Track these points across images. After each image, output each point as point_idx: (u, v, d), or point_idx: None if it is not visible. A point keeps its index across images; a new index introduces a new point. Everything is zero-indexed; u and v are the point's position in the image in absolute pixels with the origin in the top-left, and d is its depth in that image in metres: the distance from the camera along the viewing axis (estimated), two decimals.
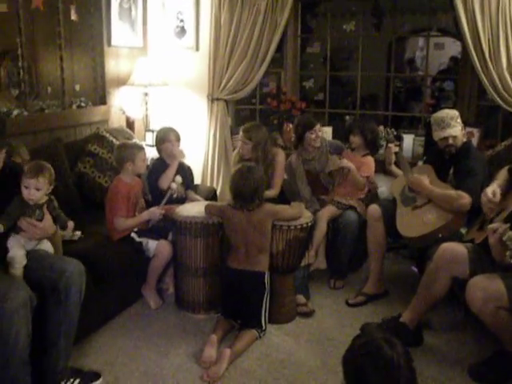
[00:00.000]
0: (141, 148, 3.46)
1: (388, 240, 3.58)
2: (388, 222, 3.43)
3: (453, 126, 3.29)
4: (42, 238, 2.59)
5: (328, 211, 3.77)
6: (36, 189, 2.51)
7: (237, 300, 3.05)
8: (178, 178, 3.58)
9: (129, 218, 3.30)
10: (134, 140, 4.33)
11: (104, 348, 2.96)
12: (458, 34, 4.26)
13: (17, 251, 2.47)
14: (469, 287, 2.58)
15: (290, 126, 4.78)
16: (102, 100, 4.57)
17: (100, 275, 3.02)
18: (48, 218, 2.56)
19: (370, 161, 3.90)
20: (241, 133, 3.86)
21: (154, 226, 3.40)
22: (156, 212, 3.36)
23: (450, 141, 3.31)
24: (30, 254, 2.52)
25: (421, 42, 8.16)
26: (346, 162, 3.77)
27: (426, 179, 3.33)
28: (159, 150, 3.83)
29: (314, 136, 3.89)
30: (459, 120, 3.33)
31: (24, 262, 2.46)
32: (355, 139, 3.88)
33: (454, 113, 3.35)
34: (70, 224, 2.73)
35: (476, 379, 2.68)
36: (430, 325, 3.18)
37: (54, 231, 2.63)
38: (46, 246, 2.64)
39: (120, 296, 3.34)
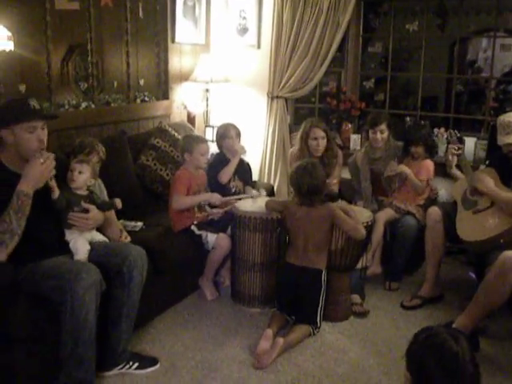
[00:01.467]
0: (201, 141, 3.51)
1: (447, 244, 3.53)
2: (448, 226, 3.38)
3: None
4: (94, 227, 2.72)
5: (386, 214, 3.74)
6: (79, 172, 2.65)
7: (293, 296, 3.08)
8: (257, 193, 3.67)
9: (186, 196, 3.35)
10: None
11: (161, 336, 3.05)
12: None
13: (77, 239, 2.61)
14: None
15: (349, 125, 4.77)
16: (165, 95, 4.68)
17: (160, 265, 3.11)
18: (93, 207, 2.68)
19: (429, 164, 3.85)
20: (315, 128, 3.82)
21: (214, 220, 3.46)
22: (216, 197, 3.41)
23: None
24: (91, 244, 2.66)
25: (484, 42, 7.94)
26: (402, 168, 3.76)
27: (490, 181, 3.26)
28: (220, 146, 3.90)
29: (374, 136, 3.87)
30: None
31: (87, 247, 2.60)
32: (419, 149, 3.81)
33: None
34: (118, 202, 2.84)
35: None
36: (488, 332, 3.11)
37: (102, 218, 2.76)
38: (101, 239, 2.77)
39: (178, 286, 3.43)
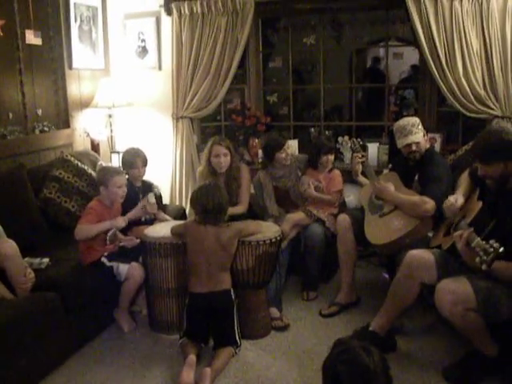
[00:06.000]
0: (117, 173, 3.38)
1: (358, 248, 3.62)
2: (357, 231, 3.47)
3: (415, 132, 3.37)
4: None
5: (296, 216, 3.80)
6: None
7: (208, 323, 3.01)
8: (151, 198, 3.58)
9: (88, 224, 3.22)
10: (99, 162, 4.30)
11: (77, 377, 2.89)
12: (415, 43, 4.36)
13: None
14: (437, 291, 2.61)
15: (256, 141, 4.81)
16: (66, 123, 4.54)
17: (70, 303, 3.00)
18: None
19: (338, 175, 3.96)
20: (217, 146, 3.79)
21: (125, 250, 3.36)
22: (119, 220, 3.30)
23: (414, 147, 3.39)
24: None
25: (381, 52, 8.30)
26: (311, 194, 3.84)
27: (391, 186, 3.38)
28: (126, 173, 3.80)
29: (283, 155, 3.90)
30: (420, 127, 3.41)
31: None
32: (332, 157, 3.91)
33: (415, 120, 3.43)
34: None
35: (450, 381, 2.71)
36: (403, 330, 3.21)
37: None
38: None
39: (92, 322, 3.29)
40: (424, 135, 3.43)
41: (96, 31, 4.86)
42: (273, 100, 5.25)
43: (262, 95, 5.12)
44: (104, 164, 4.25)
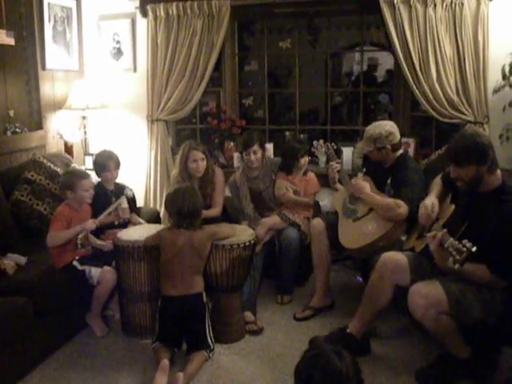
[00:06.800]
0: (83, 177, 3.33)
1: (333, 252, 3.63)
2: (332, 235, 3.48)
3: (376, 144, 3.39)
4: None
5: (271, 220, 3.80)
6: None
7: (180, 327, 2.98)
8: (124, 203, 3.54)
9: (60, 231, 3.18)
10: (73, 165, 4.25)
11: (49, 382, 2.84)
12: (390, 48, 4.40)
13: None
14: (410, 295, 2.63)
15: (232, 144, 4.80)
16: (38, 125, 4.47)
17: (41, 306, 2.95)
18: None
19: (314, 177, 3.96)
20: (194, 151, 3.79)
21: (97, 253, 3.32)
22: (89, 223, 3.25)
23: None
24: None
25: (357, 56, 8.38)
26: (287, 197, 3.83)
27: (366, 185, 3.41)
28: (98, 176, 3.76)
29: (248, 157, 3.89)
30: (391, 137, 3.36)
31: None
32: (306, 159, 3.91)
33: (383, 131, 3.37)
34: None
35: (423, 383, 2.74)
36: (376, 333, 3.23)
37: None
38: None
39: (64, 326, 3.24)
40: (392, 144, 3.41)
41: (70, 32, 4.81)
42: (248, 103, 5.24)
43: (237, 98, 5.12)
44: (77, 166, 4.20)
